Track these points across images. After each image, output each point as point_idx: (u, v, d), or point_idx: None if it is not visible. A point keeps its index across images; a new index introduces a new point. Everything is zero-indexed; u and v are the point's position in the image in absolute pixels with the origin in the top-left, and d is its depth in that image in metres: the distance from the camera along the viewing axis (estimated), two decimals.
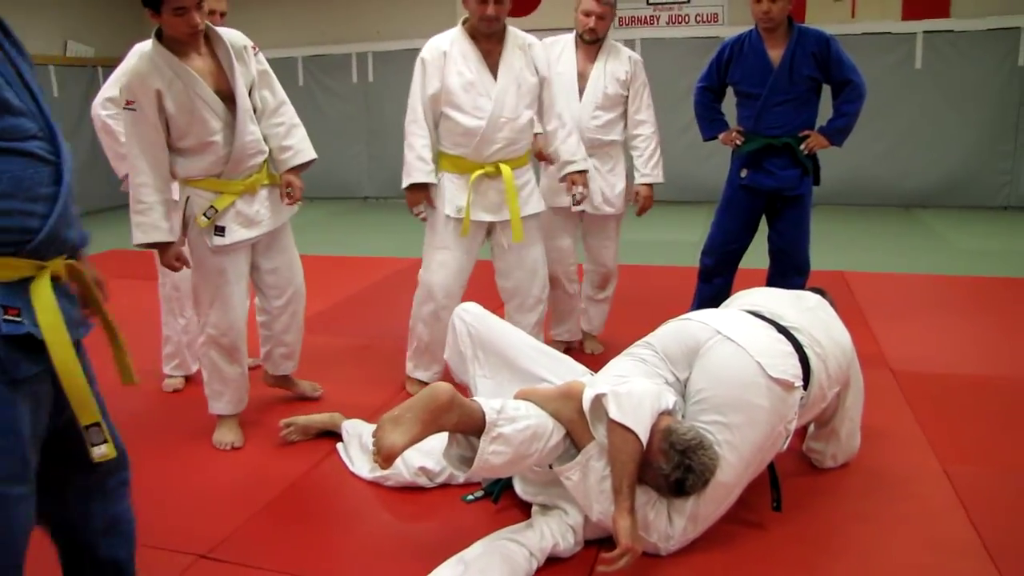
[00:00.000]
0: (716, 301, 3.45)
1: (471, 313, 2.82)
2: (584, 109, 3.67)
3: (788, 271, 3.85)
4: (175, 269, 2.91)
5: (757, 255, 4.02)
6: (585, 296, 4.06)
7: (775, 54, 3.63)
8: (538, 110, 3.39)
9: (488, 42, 3.22)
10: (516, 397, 2.28)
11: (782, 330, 2.40)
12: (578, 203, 3.48)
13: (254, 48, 2.95)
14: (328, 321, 4.66)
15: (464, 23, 3.24)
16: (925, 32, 7.63)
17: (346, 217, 8.90)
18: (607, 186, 3.76)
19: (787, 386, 2.26)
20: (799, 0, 7.82)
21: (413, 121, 3.26)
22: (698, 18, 8.22)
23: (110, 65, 9.80)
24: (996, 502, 2.49)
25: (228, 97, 2.82)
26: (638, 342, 2.51)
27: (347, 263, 6.06)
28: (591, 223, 3.87)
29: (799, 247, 3.85)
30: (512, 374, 2.69)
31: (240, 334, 3.05)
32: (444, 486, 2.65)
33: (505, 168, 3.28)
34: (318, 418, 3.09)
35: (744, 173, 3.78)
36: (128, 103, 2.73)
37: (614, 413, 2.07)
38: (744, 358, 2.26)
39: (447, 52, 3.20)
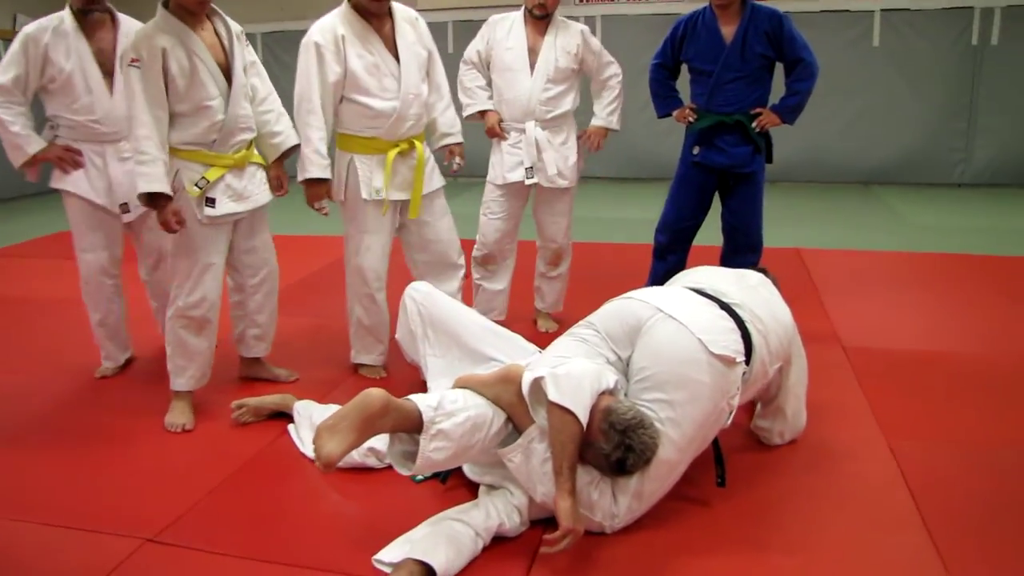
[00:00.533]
0: (670, 278, 3.46)
1: (421, 292, 2.83)
2: (535, 83, 3.68)
3: (741, 248, 3.89)
4: (171, 228, 2.87)
5: (712, 232, 4.05)
6: (538, 273, 4.07)
7: (728, 31, 3.64)
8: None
9: (378, 20, 3.16)
10: (455, 384, 2.29)
11: (724, 307, 2.42)
12: (455, 172, 3.59)
13: (246, 40, 3.10)
14: (285, 301, 4.59)
15: (348, 1, 3.17)
16: (883, 10, 7.69)
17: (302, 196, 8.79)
18: (560, 158, 3.77)
19: (729, 362, 2.28)
20: None
21: (309, 112, 3.11)
22: None
23: None
24: (937, 476, 2.54)
25: (225, 72, 2.93)
26: (580, 322, 2.51)
27: (300, 242, 5.99)
28: (542, 197, 3.87)
29: (752, 224, 3.88)
30: (462, 353, 2.71)
31: (213, 307, 3.07)
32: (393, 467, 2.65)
33: (419, 145, 3.30)
34: (270, 399, 3.06)
35: (696, 150, 3.80)
36: (133, 60, 2.79)
37: (552, 395, 2.07)
38: (685, 335, 2.27)
39: (343, 35, 3.09)
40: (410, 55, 3.21)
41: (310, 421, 2.83)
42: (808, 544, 2.21)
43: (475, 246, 3.96)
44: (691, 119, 3.79)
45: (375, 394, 2.10)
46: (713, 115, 3.71)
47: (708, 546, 2.21)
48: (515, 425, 2.22)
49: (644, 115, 8.21)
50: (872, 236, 5.97)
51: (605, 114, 3.84)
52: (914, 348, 3.66)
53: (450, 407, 2.15)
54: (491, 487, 2.34)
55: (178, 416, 3.03)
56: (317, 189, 3.22)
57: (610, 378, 2.21)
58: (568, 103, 3.77)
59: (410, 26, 3.26)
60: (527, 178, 3.75)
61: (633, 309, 2.41)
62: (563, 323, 4.09)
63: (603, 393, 2.16)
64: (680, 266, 3.89)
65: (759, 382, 2.50)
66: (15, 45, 3.18)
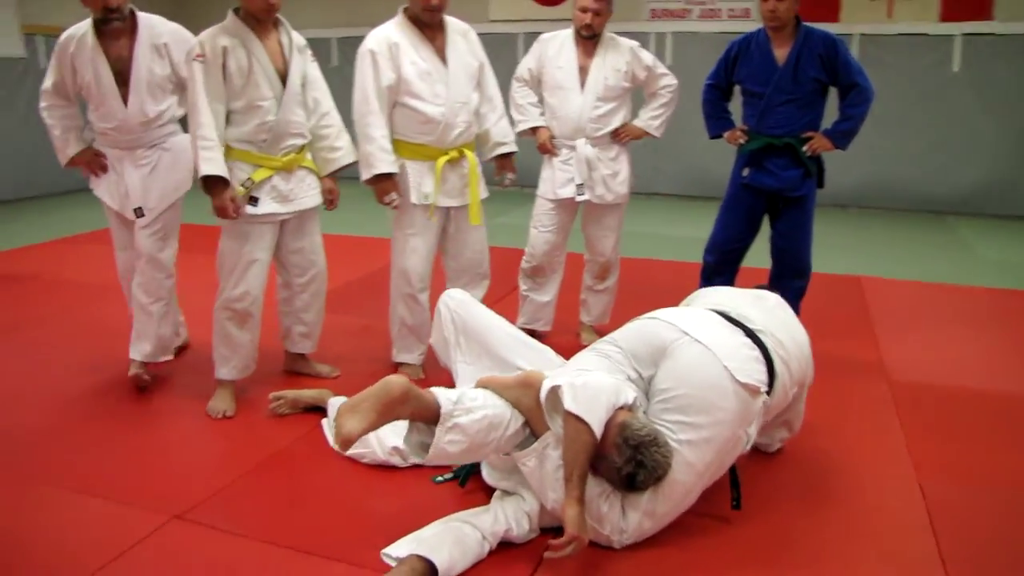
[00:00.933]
0: None
1: (456, 300, 2.89)
2: (586, 101, 3.72)
3: (788, 272, 3.86)
4: (226, 214, 3.00)
5: (762, 255, 4.01)
6: (584, 286, 4.10)
7: (781, 54, 3.63)
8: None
9: (431, 30, 3.30)
10: (477, 385, 2.33)
11: (749, 333, 2.41)
12: (506, 186, 3.71)
13: (312, 56, 3.24)
14: (335, 300, 4.72)
15: (404, 11, 3.31)
16: (964, 34, 7.44)
17: (370, 199, 8.98)
18: (609, 174, 3.80)
19: (753, 391, 2.28)
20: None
21: (369, 112, 3.24)
22: (730, 13, 8.11)
23: None
24: (965, 519, 2.47)
25: (282, 77, 3.07)
26: (604, 338, 2.53)
27: (366, 243, 6.14)
28: (592, 212, 3.91)
29: (800, 248, 3.85)
30: (492, 361, 2.74)
31: (256, 302, 3.19)
32: (416, 467, 2.70)
33: (470, 154, 3.42)
34: (307, 393, 3.16)
35: (746, 172, 3.79)
36: (198, 55, 2.96)
37: (568, 404, 2.10)
38: (711, 360, 2.27)
39: (398, 43, 3.24)
40: (459, 64, 3.34)
41: None
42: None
43: (524, 258, 4.02)
44: (741, 140, 3.80)
45: (397, 381, 2.17)
46: (763, 137, 3.71)
47: (714, 569, 2.21)
48: (532, 430, 2.25)
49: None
50: (937, 268, 5.79)
51: (647, 118, 3.87)
52: (963, 385, 3.54)
53: (469, 404, 2.20)
54: (506, 492, 2.38)
55: (220, 403, 3.16)
56: (386, 184, 3.32)
57: (629, 394, 2.22)
58: (618, 120, 3.79)
59: (461, 37, 3.38)
60: (578, 195, 3.80)
61: (658, 330, 2.42)
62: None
63: (621, 408, 2.17)
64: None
65: (777, 408, 2.49)
66: (55, 50, 3.28)
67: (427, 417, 2.19)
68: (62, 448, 2.88)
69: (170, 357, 3.58)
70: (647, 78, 3.79)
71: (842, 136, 3.69)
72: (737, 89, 3.93)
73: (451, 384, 3.06)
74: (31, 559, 2.23)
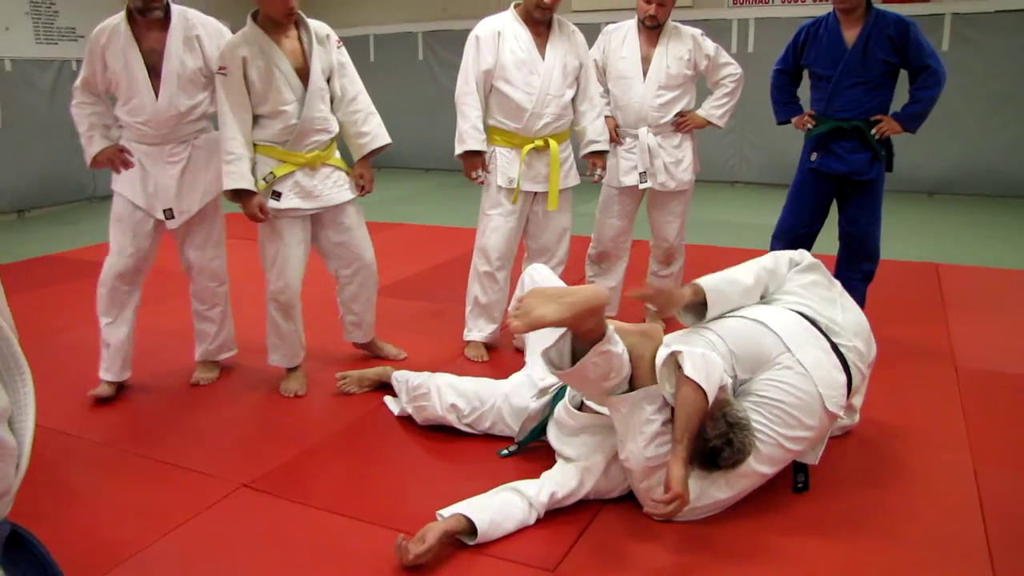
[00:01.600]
0: None
1: (540, 272, 3.05)
2: (648, 89, 3.77)
3: (857, 256, 3.83)
4: (257, 219, 3.13)
5: (829, 240, 3.97)
6: (650, 272, 4.16)
7: (850, 36, 3.58)
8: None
9: (538, 27, 3.49)
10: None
11: (835, 349, 2.47)
12: (596, 181, 3.82)
13: (338, 42, 3.28)
14: (409, 286, 4.94)
15: (516, 7, 3.50)
16: None
17: (457, 189, 9.19)
18: (672, 162, 3.85)
19: (834, 417, 2.42)
20: None
21: (467, 93, 3.49)
22: None
23: None
24: (1016, 507, 2.44)
25: (306, 76, 3.12)
26: (706, 324, 2.58)
27: (444, 232, 6.33)
28: (656, 198, 3.96)
29: (869, 232, 3.80)
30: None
31: (295, 294, 3.30)
32: (475, 437, 2.86)
33: (553, 143, 3.54)
34: (371, 371, 3.33)
35: (814, 156, 3.77)
36: (221, 68, 3.08)
37: (688, 370, 2.18)
38: (810, 386, 2.36)
39: (501, 32, 3.46)
40: (557, 60, 3.50)
41: (407, 385, 3.07)
42: (861, 559, 2.19)
43: (591, 244, 4.11)
44: (809, 125, 3.76)
45: (603, 292, 2.22)
46: (831, 120, 3.68)
47: (758, 543, 2.25)
48: (633, 378, 2.31)
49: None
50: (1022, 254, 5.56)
51: (710, 107, 3.88)
52: None
53: (618, 338, 2.25)
54: (565, 460, 2.48)
55: (292, 383, 3.36)
56: (474, 160, 3.55)
57: (726, 377, 2.31)
58: (680, 107, 3.83)
59: (567, 37, 3.56)
60: (640, 183, 3.85)
61: (764, 340, 2.45)
62: (671, 323, 4.13)
63: (722, 387, 2.27)
64: None
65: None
66: (88, 45, 3.17)
67: (592, 336, 2.20)
68: (145, 418, 3.14)
69: (233, 351, 3.63)
70: (708, 67, 3.81)
71: (912, 119, 3.64)
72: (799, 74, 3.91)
73: (514, 367, 3.20)
74: (118, 519, 2.45)
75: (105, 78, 3.16)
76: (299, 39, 3.14)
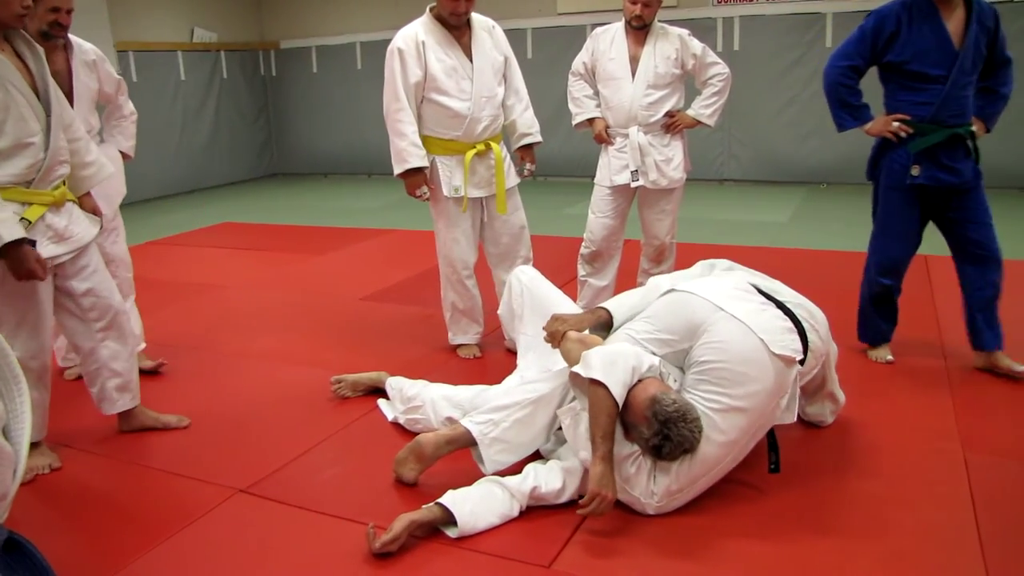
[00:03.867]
0: (891, 317, 3.53)
1: (528, 276, 3.08)
2: (636, 89, 3.81)
3: (992, 265, 3.37)
4: (36, 277, 2.55)
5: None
6: (641, 270, 4.19)
7: (954, 27, 3.14)
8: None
9: (457, 28, 3.45)
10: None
11: (780, 305, 2.46)
12: (526, 177, 3.80)
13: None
14: (399, 292, 4.97)
15: (431, 10, 3.46)
16: None
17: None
18: (662, 160, 3.87)
19: (788, 361, 2.34)
20: None
21: (400, 109, 3.42)
22: None
23: (233, 50, 10.53)
24: (1007, 494, 2.46)
25: (41, 99, 2.62)
26: (639, 315, 2.60)
27: (432, 238, 6.32)
28: (647, 196, 3.99)
29: (992, 234, 3.39)
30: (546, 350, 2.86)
31: (50, 356, 2.82)
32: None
33: (495, 146, 3.55)
34: (365, 376, 3.34)
35: (917, 170, 3.25)
36: None
37: (586, 370, 2.25)
38: (747, 334, 2.33)
39: (424, 41, 3.40)
40: (485, 60, 3.48)
41: (401, 394, 3.09)
42: (851, 546, 2.21)
43: (583, 244, 4.13)
44: (902, 133, 3.25)
45: (424, 440, 2.54)
46: (944, 129, 3.19)
47: (748, 533, 2.27)
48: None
49: (783, 117, 8.17)
50: (1015, 246, 5.59)
51: (699, 107, 3.90)
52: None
53: (492, 416, 2.45)
54: (550, 454, 2.54)
55: (40, 459, 2.80)
56: (416, 179, 3.50)
57: (650, 360, 2.33)
58: (669, 106, 3.86)
59: (487, 34, 3.52)
60: (632, 181, 3.88)
61: (694, 306, 2.47)
62: None
63: (652, 379, 2.28)
64: (896, 303, 3.59)
65: (808, 375, 2.55)
66: None
67: (469, 444, 2.45)
68: (143, 431, 3.13)
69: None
70: (696, 66, 3.84)
71: (993, 119, 3.35)
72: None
73: (508, 362, 3.22)
74: (113, 527, 2.45)
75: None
76: (18, 54, 2.61)
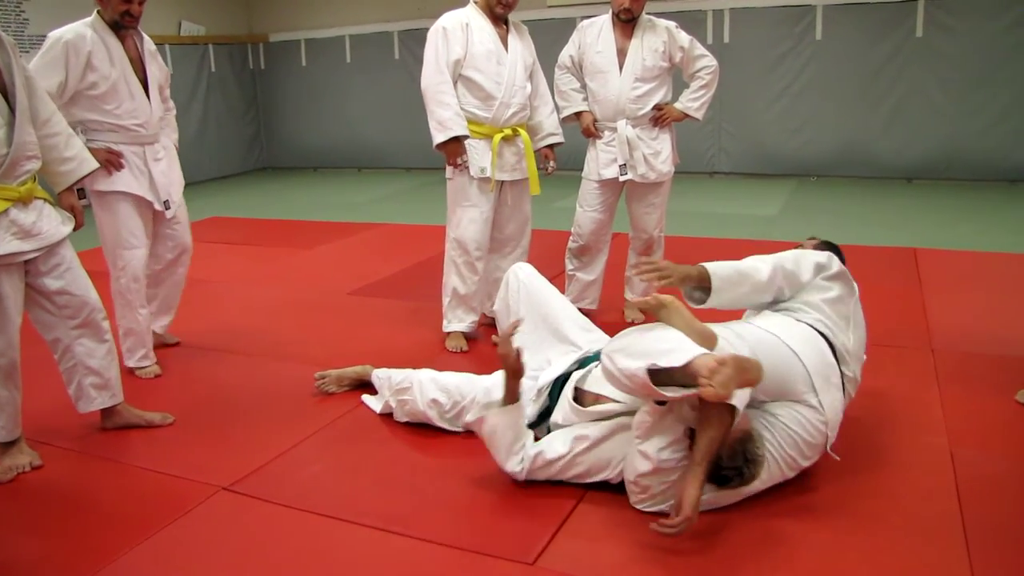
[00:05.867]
0: None
1: (525, 272, 3.09)
2: (624, 82, 3.79)
3: None
4: None
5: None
6: (629, 263, 4.16)
7: None
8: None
9: (497, 23, 3.64)
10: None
11: (842, 376, 2.48)
12: (549, 174, 3.91)
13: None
14: (389, 285, 4.95)
15: (475, 2, 3.62)
16: None
17: (436, 187, 9.19)
18: (651, 153, 3.87)
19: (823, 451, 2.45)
20: None
21: (442, 82, 3.55)
22: None
23: (221, 43, 10.47)
24: (991, 487, 2.45)
25: (5, 95, 2.59)
26: (737, 331, 2.39)
27: (423, 231, 6.32)
28: (635, 190, 3.98)
29: None
30: (548, 332, 2.93)
31: (18, 353, 2.74)
32: (455, 434, 2.88)
33: (523, 131, 3.68)
34: (350, 370, 3.32)
35: None
36: None
37: (722, 388, 2.04)
38: (823, 428, 2.38)
39: (468, 24, 3.55)
40: (517, 55, 3.67)
41: (389, 382, 3.08)
42: (839, 542, 2.20)
43: (571, 238, 4.11)
44: None
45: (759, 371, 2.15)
46: None
47: (734, 528, 2.26)
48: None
49: (774, 110, 8.15)
50: (1004, 238, 5.61)
51: (687, 100, 3.89)
52: (1009, 355, 3.44)
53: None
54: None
55: (20, 458, 2.78)
56: (458, 146, 3.58)
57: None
58: (657, 99, 3.84)
59: (520, 35, 3.74)
60: (621, 175, 3.87)
61: (795, 374, 2.37)
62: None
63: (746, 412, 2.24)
64: None
65: None
66: (55, 51, 3.20)
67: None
68: (124, 429, 3.10)
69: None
70: (683, 59, 3.82)
71: None
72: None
73: (492, 358, 3.19)
74: (94, 526, 2.43)
75: (86, 82, 3.27)
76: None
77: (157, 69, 3.53)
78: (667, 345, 2.17)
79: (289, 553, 2.25)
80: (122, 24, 3.32)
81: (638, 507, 2.34)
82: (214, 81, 10.12)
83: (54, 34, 3.26)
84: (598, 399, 2.50)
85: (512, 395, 2.50)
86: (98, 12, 3.32)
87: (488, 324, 3.97)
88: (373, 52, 9.89)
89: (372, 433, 2.97)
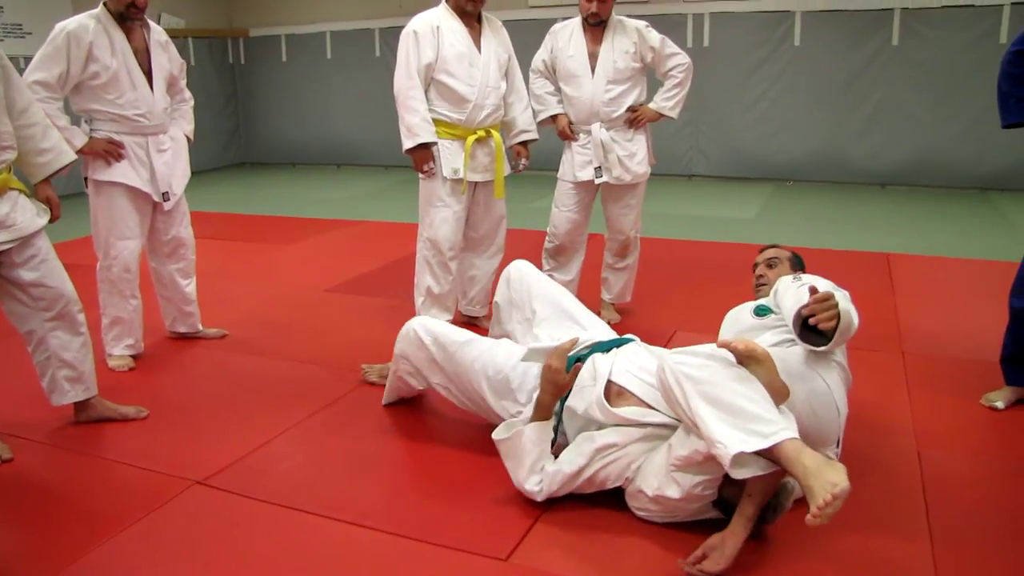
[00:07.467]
0: None
1: (526, 266, 3.09)
2: (596, 85, 3.83)
3: None
4: None
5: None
6: (605, 264, 4.20)
7: None
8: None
9: (470, 20, 3.61)
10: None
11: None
12: (520, 171, 3.90)
13: None
14: (368, 283, 4.95)
15: (447, 1, 3.59)
16: (1014, 3, 7.24)
17: (412, 185, 9.18)
18: (626, 155, 3.90)
19: None
20: None
21: (412, 87, 3.52)
22: None
23: (201, 36, 10.38)
24: (957, 488, 2.50)
25: None
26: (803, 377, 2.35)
27: (402, 229, 6.30)
28: (610, 191, 4.01)
29: None
30: (566, 318, 2.88)
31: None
32: (436, 429, 2.90)
33: (496, 134, 3.67)
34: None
35: None
36: None
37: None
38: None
39: (439, 26, 3.51)
40: (491, 53, 3.64)
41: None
42: (803, 543, 2.21)
43: (547, 238, 4.14)
44: None
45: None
46: None
47: (700, 527, 2.24)
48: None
49: (752, 114, 8.22)
50: (974, 244, 5.70)
51: (661, 99, 3.92)
52: (978, 359, 3.50)
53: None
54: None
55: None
56: (424, 153, 3.58)
57: None
58: (631, 100, 3.87)
59: (495, 32, 3.71)
60: (596, 177, 3.90)
61: (832, 427, 2.40)
62: (626, 314, 4.19)
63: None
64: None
65: None
66: (57, 42, 3.22)
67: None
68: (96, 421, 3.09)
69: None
70: (655, 59, 3.85)
71: None
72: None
73: None
74: (63, 520, 2.41)
75: (87, 72, 3.28)
76: None
77: (167, 60, 3.54)
78: (754, 408, 2.01)
79: (262, 548, 2.24)
80: (128, 16, 3.35)
81: (637, 513, 2.32)
82: (193, 75, 9.94)
83: (58, 25, 3.30)
84: (622, 394, 2.39)
85: (546, 411, 2.41)
86: (104, 4, 3.36)
87: (464, 322, 3.98)
88: (354, 49, 9.87)
89: (348, 428, 2.97)
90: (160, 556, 2.22)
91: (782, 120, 8.17)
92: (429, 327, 2.85)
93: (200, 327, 3.94)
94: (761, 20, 8.02)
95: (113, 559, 2.21)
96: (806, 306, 2.32)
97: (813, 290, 2.34)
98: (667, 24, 7.81)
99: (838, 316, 2.28)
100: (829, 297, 2.28)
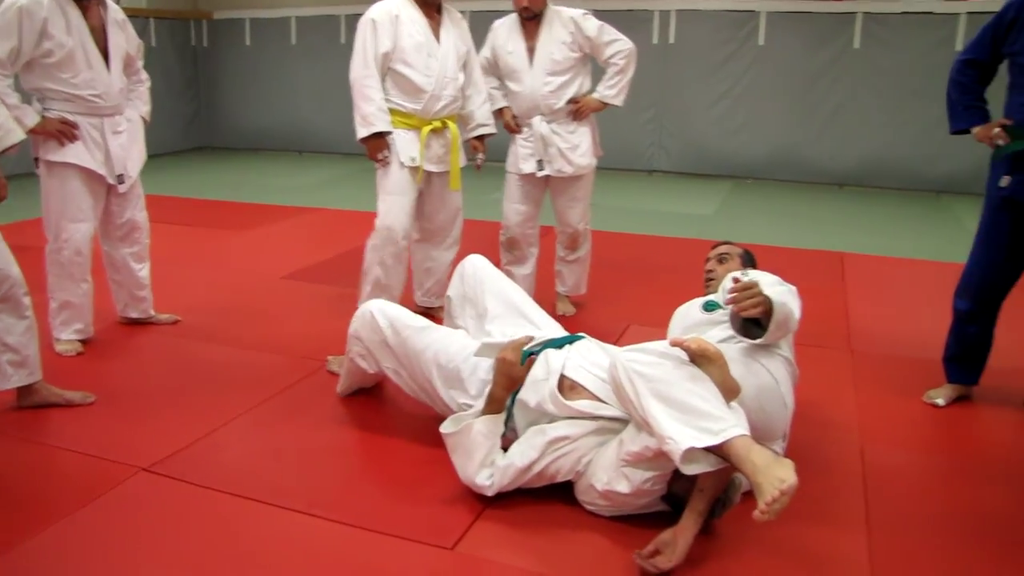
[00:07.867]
0: (972, 352, 3.09)
1: (481, 261, 3.07)
2: (536, 78, 3.85)
3: None
4: None
5: None
6: (557, 257, 4.22)
7: None
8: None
9: (430, 10, 3.58)
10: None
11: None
12: (479, 167, 3.87)
13: None
14: (322, 271, 4.92)
15: None
16: (969, 13, 7.40)
17: (373, 174, 9.12)
18: (568, 147, 3.91)
19: None
20: None
21: (368, 76, 3.49)
22: None
23: (163, 17, 10.18)
24: (897, 484, 2.55)
25: None
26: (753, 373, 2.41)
27: (359, 217, 6.25)
28: (557, 184, 4.02)
29: None
30: (519, 316, 2.88)
31: None
32: (392, 416, 2.88)
33: (452, 125, 3.65)
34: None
35: (1005, 181, 2.84)
36: None
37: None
38: None
39: (398, 16, 3.48)
40: (450, 44, 3.60)
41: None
42: (743, 534, 2.24)
43: (500, 230, 4.14)
44: (1000, 142, 2.82)
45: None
46: None
47: (646, 519, 2.28)
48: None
49: (714, 112, 8.30)
50: (927, 245, 5.82)
51: (604, 88, 3.91)
52: (925, 358, 3.55)
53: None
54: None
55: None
56: (379, 143, 3.56)
57: None
58: (572, 92, 3.87)
59: (455, 24, 3.68)
60: (538, 170, 3.92)
61: (780, 418, 2.45)
62: (581, 307, 4.21)
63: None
64: (984, 340, 3.11)
65: None
66: (8, 16, 3.13)
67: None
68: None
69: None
70: (593, 47, 3.84)
71: None
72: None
73: None
74: None
75: (40, 49, 3.19)
76: None
77: (124, 40, 3.47)
78: (705, 406, 2.04)
79: (208, 535, 2.22)
80: None
81: (586, 507, 2.33)
82: (154, 56, 9.82)
83: (16, 1, 3.17)
84: (574, 388, 2.40)
85: (498, 405, 2.42)
86: None
87: (420, 313, 3.95)
88: (319, 35, 9.76)
89: (300, 416, 2.95)
90: (101, 544, 2.19)
91: (744, 118, 8.26)
92: (386, 311, 2.85)
93: (152, 312, 3.88)
94: (727, 19, 8.09)
95: (52, 546, 2.17)
96: (728, 295, 2.35)
97: (735, 280, 2.39)
98: (633, 20, 7.86)
99: (765, 304, 2.31)
100: (751, 286, 2.32)
